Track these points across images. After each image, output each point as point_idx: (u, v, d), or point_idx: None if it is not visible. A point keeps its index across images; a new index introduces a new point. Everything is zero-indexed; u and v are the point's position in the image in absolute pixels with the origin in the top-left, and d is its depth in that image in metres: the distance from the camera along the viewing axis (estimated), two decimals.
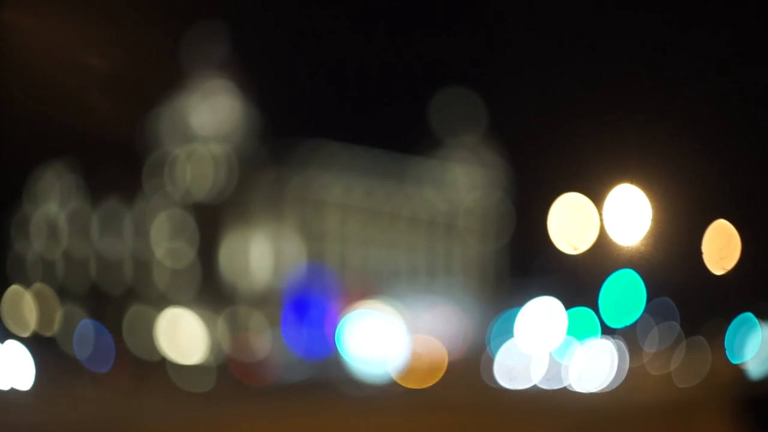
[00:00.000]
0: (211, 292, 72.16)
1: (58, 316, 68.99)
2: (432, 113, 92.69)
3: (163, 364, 59.87)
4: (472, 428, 18.83)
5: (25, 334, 57.86)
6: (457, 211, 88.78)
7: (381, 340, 40.73)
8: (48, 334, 63.99)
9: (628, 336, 55.78)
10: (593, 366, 40.07)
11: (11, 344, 35.73)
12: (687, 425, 18.66)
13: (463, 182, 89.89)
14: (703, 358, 48.61)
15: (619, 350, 43.04)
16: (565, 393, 34.58)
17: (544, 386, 36.45)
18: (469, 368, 40.05)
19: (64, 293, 70.82)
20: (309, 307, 66.60)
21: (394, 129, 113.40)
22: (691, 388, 42.19)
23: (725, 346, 51.34)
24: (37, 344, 46.83)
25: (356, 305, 60.63)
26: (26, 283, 72.12)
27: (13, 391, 30.64)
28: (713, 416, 19.50)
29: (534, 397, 32.21)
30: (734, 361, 45.04)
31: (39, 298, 71.05)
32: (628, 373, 41.25)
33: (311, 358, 53.16)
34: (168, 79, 76.79)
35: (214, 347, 66.69)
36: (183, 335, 64.37)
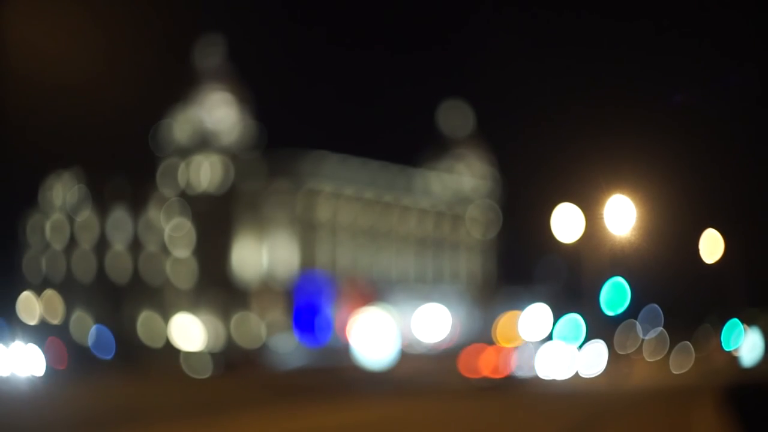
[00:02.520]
0: (212, 294, 72.87)
1: (72, 316, 69.80)
2: (430, 126, 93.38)
3: (162, 350, 62.09)
4: (474, 410, 19.10)
5: (38, 332, 59.44)
6: (455, 221, 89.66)
7: (378, 336, 42.73)
8: (59, 331, 64.69)
9: (628, 330, 59.07)
10: (574, 360, 42.60)
11: (28, 341, 38.03)
12: (681, 407, 18.97)
13: (462, 193, 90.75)
14: (698, 350, 51.34)
15: (601, 349, 45.34)
16: (549, 379, 36.46)
17: (543, 375, 38.83)
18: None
19: (72, 294, 71.38)
20: (312, 305, 70.92)
21: (395, 141, 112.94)
22: (685, 374, 44.32)
23: (716, 341, 54.27)
24: (52, 338, 50.12)
25: (358, 307, 65.54)
26: (37, 288, 72.58)
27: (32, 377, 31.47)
28: (705, 399, 19.85)
29: (533, 382, 33.42)
30: (726, 350, 47.99)
31: (49, 301, 71.57)
32: (620, 362, 43.35)
33: (314, 347, 57.99)
34: (176, 88, 77.21)
35: (210, 339, 68.38)
36: (184, 330, 67.15)
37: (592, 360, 44.27)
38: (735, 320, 56.74)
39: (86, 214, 70.78)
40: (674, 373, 45.33)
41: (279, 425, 15.21)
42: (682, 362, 49.58)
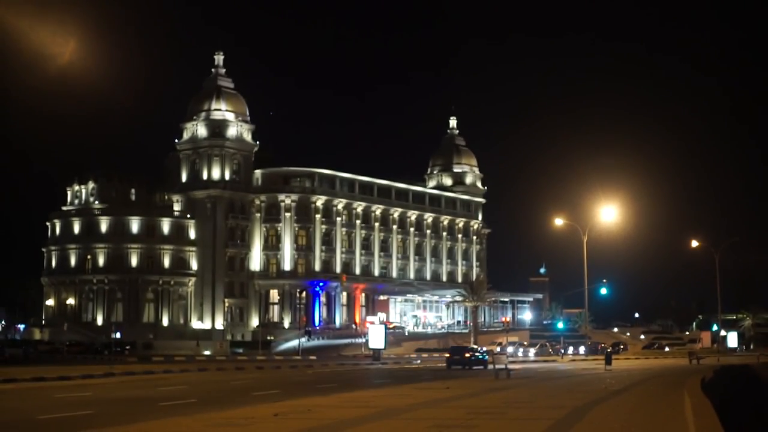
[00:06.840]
0: (226, 291, 73.48)
1: (90, 311, 70.29)
2: (430, 143, 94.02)
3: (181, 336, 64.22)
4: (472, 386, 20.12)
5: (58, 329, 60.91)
6: (452, 231, 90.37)
7: (377, 326, 48.11)
8: (77, 326, 65.52)
9: (613, 332, 64.47)
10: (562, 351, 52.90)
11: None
12: (674, 386, 19.78)
13: (459, 206, 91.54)
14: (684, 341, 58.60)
15: (588, 348, 53.76)
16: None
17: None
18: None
19: (91, 290, 71.76)
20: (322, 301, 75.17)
21: (398, 158, 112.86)
22: (675, 355, 47.21)
23: (699, 333, 57.74)
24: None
25: (362, 304, 72.88)
26: (60, 286, 72.94)
27: None
28: (694, 377, 20.87)
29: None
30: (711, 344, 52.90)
31: (68, 297, 72.06)
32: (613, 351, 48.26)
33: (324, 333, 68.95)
34: (194, 103, 78.16)
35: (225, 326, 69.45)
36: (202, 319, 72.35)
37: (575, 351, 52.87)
38: (714, 325, 58.13)
39: (105, 217, 71.49)
40: (666, 350, 52.03)
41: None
42: (667, 352, 53.05)
